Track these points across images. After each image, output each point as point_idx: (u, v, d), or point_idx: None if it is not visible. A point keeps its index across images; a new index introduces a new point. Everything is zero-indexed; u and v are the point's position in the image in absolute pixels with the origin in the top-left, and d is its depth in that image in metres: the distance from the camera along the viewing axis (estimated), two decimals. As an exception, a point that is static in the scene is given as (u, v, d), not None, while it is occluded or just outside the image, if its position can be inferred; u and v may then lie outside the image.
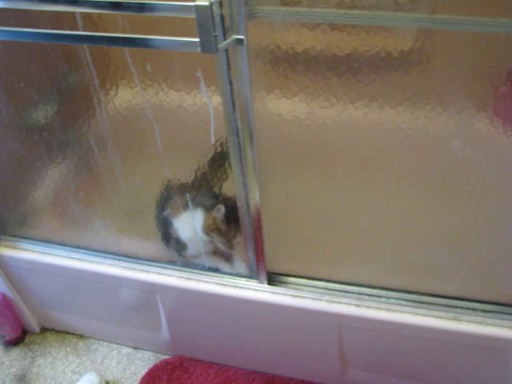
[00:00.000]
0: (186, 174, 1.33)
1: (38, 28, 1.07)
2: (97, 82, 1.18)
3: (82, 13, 1.06)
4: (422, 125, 1.06)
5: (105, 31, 1.05)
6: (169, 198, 1.40)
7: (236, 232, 1.41)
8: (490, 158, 1.09)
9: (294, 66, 1.03)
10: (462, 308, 1.35)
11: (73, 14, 1.07)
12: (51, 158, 1.40)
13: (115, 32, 1.03)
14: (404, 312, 1.36)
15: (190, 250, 1.49)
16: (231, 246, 1.44)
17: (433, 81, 1.01)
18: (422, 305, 1.36)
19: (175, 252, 1.51)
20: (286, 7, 0.96)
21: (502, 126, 1.03)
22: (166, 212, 1.42)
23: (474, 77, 0.99)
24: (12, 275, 1.73)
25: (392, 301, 1.37)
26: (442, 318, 1.34)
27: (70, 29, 1.07)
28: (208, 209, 1.39)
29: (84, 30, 1.08)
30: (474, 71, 0.98)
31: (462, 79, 1.00)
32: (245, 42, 0.97)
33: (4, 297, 1.77)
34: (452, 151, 1.09)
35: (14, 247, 1.66)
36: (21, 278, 1.73)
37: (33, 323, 1.91)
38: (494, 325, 1.31)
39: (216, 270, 1.49)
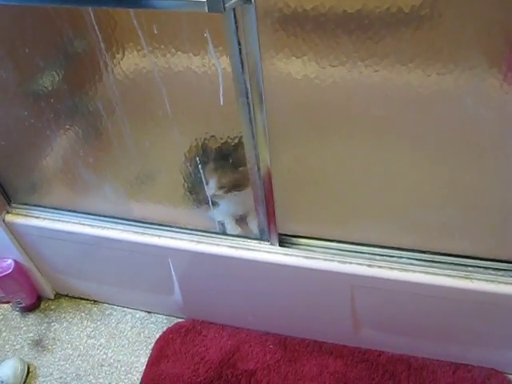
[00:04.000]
0: (196, 137, 1.32)
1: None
2: (103, 45, 1.17)
3: (86, -25, 1.04)
4: (433, 82, 1.04)
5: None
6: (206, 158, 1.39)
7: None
8: (503, 115, 1.08)
9: (303, 24, 1.01)
10: (473, 266, 1.35)
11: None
12: (59, 124, 1.40)
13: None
14: (415, 271, 1.36)
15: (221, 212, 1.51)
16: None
17: (445, 36, 0.98)
18: (433, 264, 1.36)
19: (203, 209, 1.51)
20: (295, -37, 0.94)
21: (515, 82, 1.01)
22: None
23: (487, 32, 0.97)
24: (25, 243, 1.75)
25: (403, 260, 1.38)
26: (453, 276, 1.35)
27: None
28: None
29: (89, -7, 1.06)
30: (486, 26, 0.96)
31: (474, 34, 0.97)
32: (252, 1, 0.96)
33: (18, 264, 1.79)
34: (465, 108, 1.07)
35: (25, 215, 1.67)
36: (33, 245, 1.75)
37: (47, 289, 1.93)
38: (505, 283, 1.32)
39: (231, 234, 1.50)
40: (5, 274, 1.76)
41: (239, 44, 1.03)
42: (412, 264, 1.37)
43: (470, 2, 0.94)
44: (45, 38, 1.23)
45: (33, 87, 1.33)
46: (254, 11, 0.97)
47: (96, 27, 1.13)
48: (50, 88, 1.31)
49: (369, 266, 1.38)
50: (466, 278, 1.33)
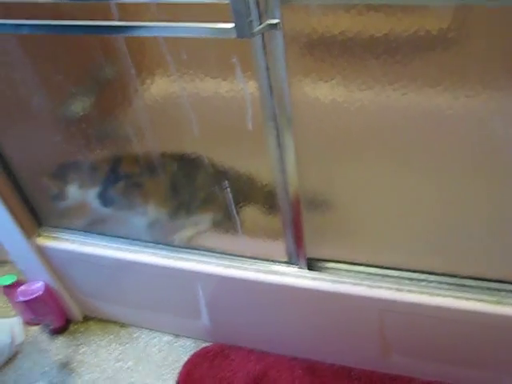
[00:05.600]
0: (223, 161, 1.33)
1: (74, 20, 1.09)
2: (133, 71, 1.19)
3: (117, 3, 1.06)
4: (462, 104, 1.04)
5: (140, 21, 1.06)
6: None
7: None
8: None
9: (330, 49, 1.02)
10: (505, 291, 1.32)
11: (108, 5, 1.07)
12: (90, 148, 1.42)
13: (150, 21, 1.04)
14: (446, 296, 1.34)
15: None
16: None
17: (472, 58, 0.98)
18: (464, 288, 1.34)
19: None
20: (321, -11, 0.95)
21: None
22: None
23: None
24: (54, 266, 1.76)
25: (433, 284, 1.36)
26: (484, 301, 1.32)
27: (106, 20, 1.07)
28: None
29: (120, 21, 1.08)
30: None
31: (502, 56, 0.97)
32: (280, 26, 0.97)
33: (47, 287, 1.81)
34: (494, 130, 1.07)
35: (55, 238, 1.70)
36: (62, 268, 1.77)
37: (76, 312, 1.94)
38: (538, 308, 1.29)
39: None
40: (35, 296, 1.78)
41: (267, 69, 1.04)
42: (442, 288, 1.34)
43: (498, 23, 0.94)
44: (77, 64, 1.26)
45: (65, 113, 1.36)
46: (281, 37, 0.98)
47: (127, 53, 1.16)
48: (81, 113, 1.34)
49: (397, 290, 1.36)
50: (498, 303, 1.31)
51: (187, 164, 1.38)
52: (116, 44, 1.15)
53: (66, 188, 1.54)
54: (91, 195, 1.53)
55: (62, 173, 1.53)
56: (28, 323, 1.96)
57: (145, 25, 1.04)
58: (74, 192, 1.54)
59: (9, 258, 1.92)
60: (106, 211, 1.58)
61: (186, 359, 1.78)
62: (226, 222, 1.48)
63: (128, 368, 1.81)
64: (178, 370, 1.76)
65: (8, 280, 1.85)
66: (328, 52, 1.03)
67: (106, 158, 1.43)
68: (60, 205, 1.61)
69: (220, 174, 1.35)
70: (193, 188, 1.45)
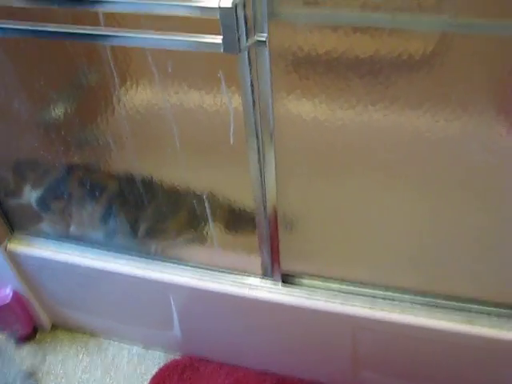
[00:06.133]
0: (202, 175, 1.33)
1: (60, 26, 1.08)
2: (117, 80, 1.19)
3: (104, 12, 1.06)
4: (441, 127, 1.06)
5: (126, 30, 1.05)
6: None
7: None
8: (510, 162, 1.09)
9: (315, 67, 1.03)
10: (476, 312, 1.34)
11: (95, 12, 1.07)
12: (68, 156, 1.41)
13: (136, 31, 1.04)
14: (418, 315, 1.36)
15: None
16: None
17: (454, 83, 1.00)
18: (436, 307, 1.36)
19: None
20: (309, 9, 0.97)
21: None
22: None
23: (496, 79, 0.99)
24: (25, 272, 1.73)
25: (406, 303, 1.37)
26: (455, 320, 1.34)
27: (92, 27, 1.07)
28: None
29: (105, 29, 1.08)
30: (496, 74, 0.98)
31: (484, 82, 0.99)
32: (267, 43, 0.98)
33: (16, 294, 1.78)
34: (472, 155, 1.09)
35: (27, 244, 1.67)
36: (33, 275, 1.74)
37: (44, 320, 1.91)
38: (508, 329, 1.31)
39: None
40: (3, 304, 1.74)
41: (252, 84, 1.05)
42: (415, 308, 1.36)
43: (481, 51, 0.96)
44: (60, 70, 1.25)
45: (44, 118, 1.34)
46: (267, 53, 0.99)
47: (111, 62, 1.15)
48: (61, 120, 1.33)
49: (371, 308, 1.38)
50: (469, 323, 1.33)
51: (161, 176, 1.38)
52: (101, 52, 1.14)
53: (22, 185, 1.54)
54: (33, 196, 1.54)
55: (22, 169, 1.52)
56: (-7, 331, 1.92)
57: (131, 35, 1.03)
58: (27, 191, 1.54)
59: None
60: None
61: (155, 372, 1.77)
62: (200, 235, 1.48)
63: (95, 380, 1.79)
64: (146, 383, 1.74)
65: (-25, 286, 1.81)
66: (313, 70, 1.04)
67: (70, 166, 1.44)
68: (13, 201, 1.59)
69: (198, 188, 1.35)
70: (163, 201, 1.44)
